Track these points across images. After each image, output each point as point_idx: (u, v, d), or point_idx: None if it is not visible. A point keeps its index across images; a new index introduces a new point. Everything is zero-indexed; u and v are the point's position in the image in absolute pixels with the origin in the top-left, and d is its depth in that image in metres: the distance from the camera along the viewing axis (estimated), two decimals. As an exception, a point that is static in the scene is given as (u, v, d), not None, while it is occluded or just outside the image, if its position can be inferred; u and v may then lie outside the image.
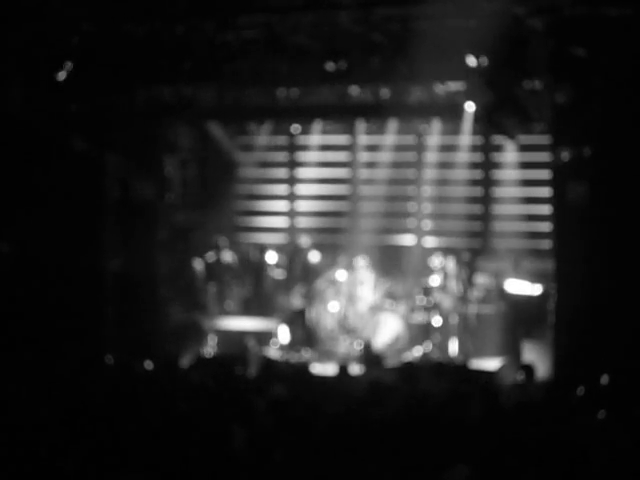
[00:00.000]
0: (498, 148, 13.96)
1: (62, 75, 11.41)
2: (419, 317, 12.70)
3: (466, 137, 13.81)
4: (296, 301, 13.22)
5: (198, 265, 13.81)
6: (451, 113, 12.39)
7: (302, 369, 9.58)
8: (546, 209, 12.24)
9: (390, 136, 14.50)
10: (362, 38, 10.61)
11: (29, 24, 11.21)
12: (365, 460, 6.30)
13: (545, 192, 12.45)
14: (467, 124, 13.31)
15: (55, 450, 6.42)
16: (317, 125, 14.64)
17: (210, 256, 13.84)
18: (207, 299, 13.72)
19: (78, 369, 9.34)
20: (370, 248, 13.51)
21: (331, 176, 15.10)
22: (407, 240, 14.52)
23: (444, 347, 12.39)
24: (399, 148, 14.57)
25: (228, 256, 13.91)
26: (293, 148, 15.26)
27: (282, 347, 13.00)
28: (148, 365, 10.29)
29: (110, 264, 12.39)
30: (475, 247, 13.82)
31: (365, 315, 12.82)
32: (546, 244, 12.35)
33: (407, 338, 12.61)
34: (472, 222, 14.33)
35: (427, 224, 14.58)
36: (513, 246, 13.63)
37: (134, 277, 12.50)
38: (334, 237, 14.63)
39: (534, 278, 12.59)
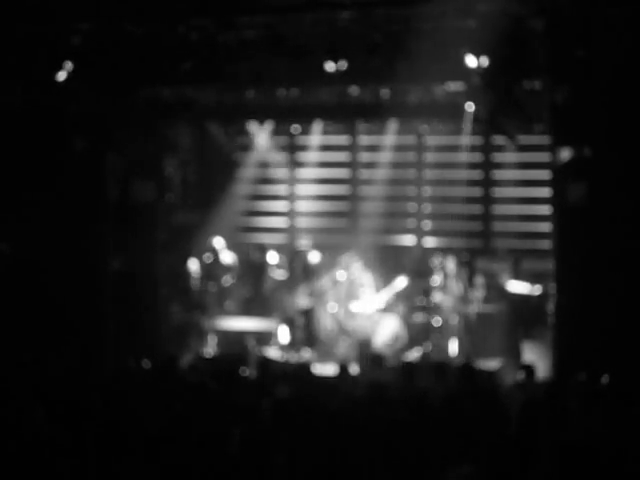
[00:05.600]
0: (498, 148, 13.95)
1: (62, 75, 11.41)
2: (419, 317, 12.70)
3: (466, 137, 13.81)
4: (296, 301, 13.22)
5: (198, 265, 13.81)
6: (451, 113, 12.39)
7: (302, 369, 9.57)
8: (546, 209, 12.24)
9: (390, 136, 14.50)
10: (362, 38, 10.61)
11: (29, 24, 11.22)
12: (366, 460, 6.30)
13: (545, 192, 12.45)
14: (467, 124, 13.31)
15: (55, 450, 6.41)
16: (317, 125, 14.64)
17: (210, 256, 13.84)
18: (207, 299, 13.72)
19: (78, 369, 9.34)
20: (370, 248, 13.51)
21: (331, 176, 15.11)
22: (407, 240, 14.53)
23: (444, 347, 12.38)
24: (399, 148, 14.57)
25: (228, 256, 13.91)
26: (293, 148, 15.27)
27: (282, 347, 13.01)
28: (147, 365, 10.29)
29: (110, 264, 12.39)
30: (475, 247, 13.82)
31: (365, 315, 12.82)
32: (546, 244, 12.34)
33: (407, 338, 12.61)
34: (472, 222, 14.33)
35: (427, 224, 14.58)
36: (513, 246, 13.63)
37: (134, 277, 12.50)
38: (334, 237, 14.62)
39: (534, 278, 12.59)
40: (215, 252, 13.81)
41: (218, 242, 13.90)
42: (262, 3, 10.83)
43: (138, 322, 12.28)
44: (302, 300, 13.15)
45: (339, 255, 13.39)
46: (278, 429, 6.98)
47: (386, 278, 13.12)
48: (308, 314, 13.05)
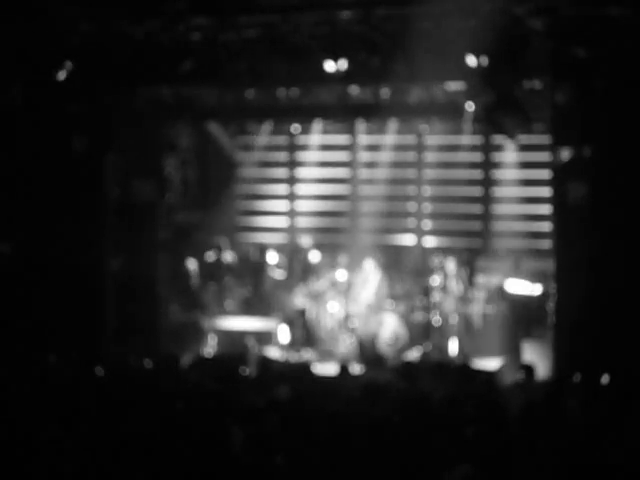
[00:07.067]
0: (498, 148, 13.96)
1: (62, 75, 11.41)
2: (419, 317, 12.70)
3: (466, 137, 13.81)
4: (296, 301, 13.22)
5: (197, 265, 13.81)
6: (451, 113, 12.39)
7: (302, 369, 9.57)
8: (546, 209, 12.25)
9: (390, 136, 14.50)
10: (362, 38, 10.61)
11: (29, 24, 11.21)
12: (365, 460, 6.30)
13: (545, 192, 12.45)
14: (467, 124, 13.31)
15: (54, 450, 6.41)
16: (317, 125, 14.64)
17: (210, 256, 13.84)
18: (207, 299, 13.72)
19: (78, 368, 9.34)
20: (371, 248, 13.51)
21: (331, 176, 15.12)
22: (407, 240, 14.53)
23: (444, 347, 12.39)
24: (399, 148, 14.57)
25: (228, 256, 13.91)
26: (293, 148, 15.28)
27: (282, 347, 13.01)
28: (148, 365, 10.30)
29: (110, 264, 12.39)
30: (475, 247, 13.82)
31: (365, 315, 12.82)
32: (546, 244, 12.35)
33: (407, 338, 12.61)
34: (472, 222, 14.33)
35: (427, 224, 14.58)
36: (513, 246, 13.63)
37: (134, 277, 12.51)
38: (334, 237, 14.62)
39: (534, 278, 12.59)
40: (219, 251, 13.83)
41: (224, 241, 13.92)
42: (262, 3, 10.83)
43: (138, 322, 12.29)
44: (299, 300, 13.16)
45: (339, 255, 13.39)
46: (278, 429, 6.98)
47: (386, 278, 13.13)
48: (305, 314, 13.05)
